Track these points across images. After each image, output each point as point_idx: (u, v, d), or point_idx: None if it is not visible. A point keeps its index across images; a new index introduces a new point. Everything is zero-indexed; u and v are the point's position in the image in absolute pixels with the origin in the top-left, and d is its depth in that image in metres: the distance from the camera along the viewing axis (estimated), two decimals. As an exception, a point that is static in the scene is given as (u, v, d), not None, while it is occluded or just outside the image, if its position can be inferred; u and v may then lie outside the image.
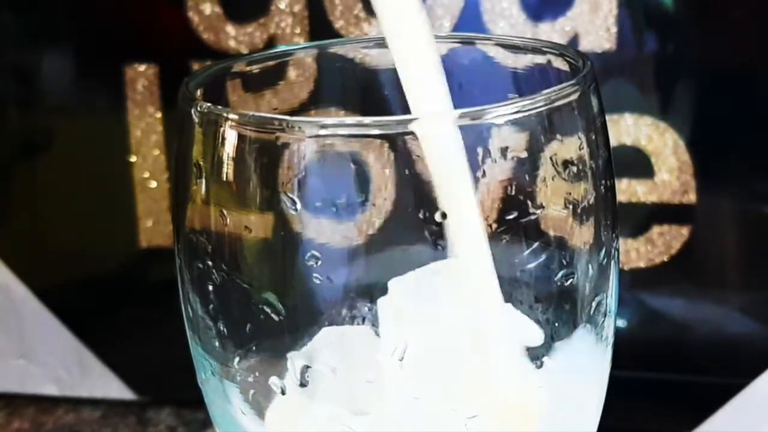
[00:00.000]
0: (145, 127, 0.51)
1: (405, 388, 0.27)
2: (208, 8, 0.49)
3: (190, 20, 0.50)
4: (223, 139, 0.27)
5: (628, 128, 0.46)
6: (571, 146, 0.28)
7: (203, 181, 0.28)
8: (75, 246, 0.54)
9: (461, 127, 0.26)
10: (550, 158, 0.28)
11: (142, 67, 0.51)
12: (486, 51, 0.33)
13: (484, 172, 0.27)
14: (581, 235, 0.29)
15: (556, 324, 0.30)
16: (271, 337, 0.29)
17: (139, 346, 0.54)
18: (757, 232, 0.47)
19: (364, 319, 0.31)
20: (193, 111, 0.28)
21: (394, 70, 0.34)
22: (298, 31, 0.49)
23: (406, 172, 0.28)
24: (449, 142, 0.26)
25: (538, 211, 0.28)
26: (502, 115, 0.26)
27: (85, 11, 0.52)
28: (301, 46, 0.35)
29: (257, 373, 0.29)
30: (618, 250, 0.31)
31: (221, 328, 0.29)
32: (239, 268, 0.29)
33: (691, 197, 0.46)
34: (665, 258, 0.47)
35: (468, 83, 0.34)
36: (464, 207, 0.27)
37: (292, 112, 0.34)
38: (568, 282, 0.29)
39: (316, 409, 0.28)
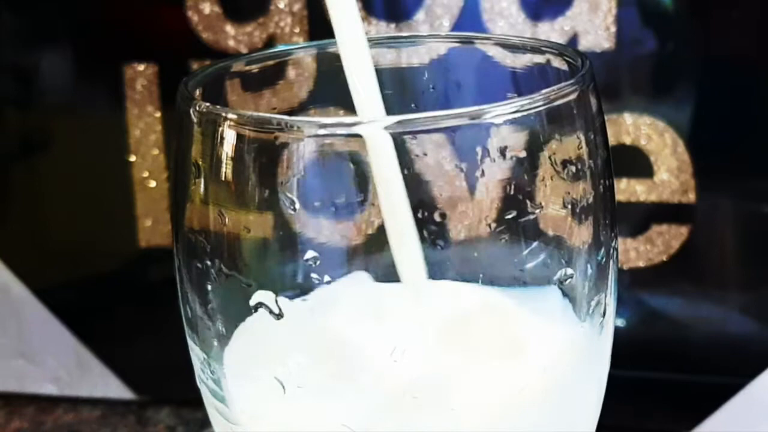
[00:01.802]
0: (145, 126, 0.51)
1: (403, 388, 0.27)
2: (207, 8, 0.49)
3: (189, 20, 0.50)
4: (222, 138, 0.27)
5: (628, 128, 0.46)
6: (570, 146, 0.28)
7: (202, 180, 0.28)
8: (74, 245, 0.54)
9: (461, 127, 0.26)
10: (549, 158, 0.28)
11: (141, 67, 0.51)
12: (485, 50, 0.33)
13: (483, 171, 0.27)
14: (580, 235, 0.29)
15: (555, 323, 0.30)
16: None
17: (138, 345, 0.54)
18: (757, 231, 0.47)
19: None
20: (192, 111, 0.28)
21: (394, 70, 0.34)
22: (297, 30, 0.49)
23: (405, 172, 0.28)
24: (384, 146, 0.27)
25: (537, 211, 0.28)
26: (501, 115, 0.26)
27: (84, 11, 0.52)
28: (301, 46, 0.35)
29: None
30: (617, 250, 0.31)
31: (220, 327, 0.29)
32: (238, 268, 0.29)
33: (691, 197, 0.46)
34: (664, 257, 0.47)
35: (467, 83, 0.34)
36: (399, 212, 0.28)
37: (291, 112, 0.34)
38: (567, 281, 0.29)
39: (314, 409, 0.28)
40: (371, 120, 0.27)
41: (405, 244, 0.28)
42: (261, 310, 0.28)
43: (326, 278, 0.29)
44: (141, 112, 0.51)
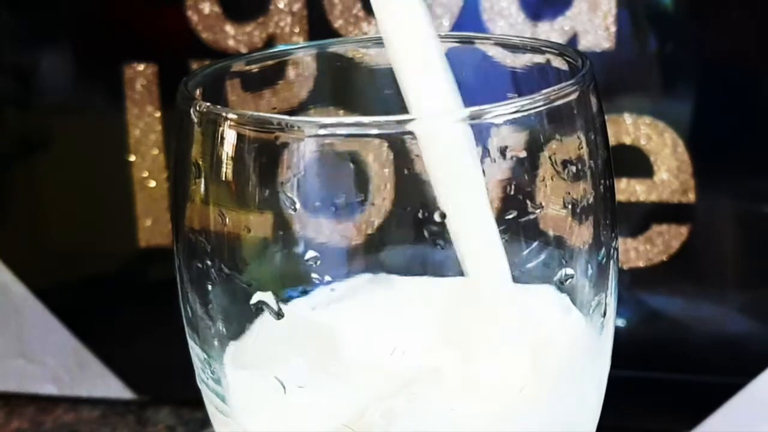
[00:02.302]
0: (144, 126, 0.51)
1: (404, 388, 0.27)
2: (207, 7, 0.49)
3: (189, 19, 0.50)
4: (222, 138, 0.27)
5: (628, 128, 0.46)
6: (570, 146, 0.28)
7: (202, 180, 0.28)
8: (74, 245, 0.54)
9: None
10: (550, 158, 0.28)
11: (141, 67, 0.51)
12: (485, 50, 0.33)
13: (483, 171, 0.27)
14: (580, 235, 0.29)
15: (556, 323, 0.30)
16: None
17: (138, 345, 0.54)
18: (756, 231, 0.47)
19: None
20: (192, 111, 0.28)
21: (393, 70, 0.34)
22: (297, 30, 0.49)
23: (406, 171, 0.28)
24: (454, 141, 0.26)
25: (537, 211, 0.28)
26: (501, 115, 0.26)
27: (84, 10, 0.52)
28: (301, 46, 0.35)
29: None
30: (617, 250, 0.31)
31: (220, 327, 0.29)
32: (238, 268, 0.29)
33: (690, 197, 0.46)
34: (664, 257, 0.47)
35: (467, 83, 0.34)
36: (471, 207, 0.27)
37: (292, 112, 0.34)
38: (567, 281, 0.29)
39: (315, 409, 0.28)
40: (369, 120, 0.27)
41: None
42: (261, 310, 0.28)
43: (326, 278, 0.29)
44: (141, 112, 0.51)
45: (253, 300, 0.29)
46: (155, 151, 0.52)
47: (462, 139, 0.26)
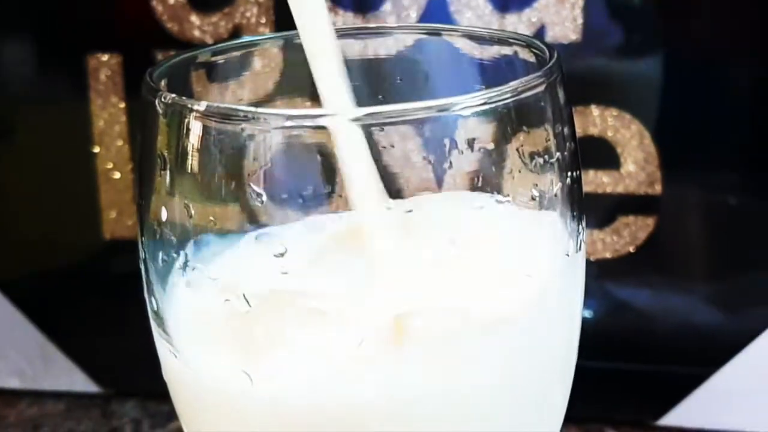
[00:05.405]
0: (108, 117, 0.51)
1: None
2: (172, -3, 0.49)
3: (154, 9, 0.49)
4: (188, 130, 0.27)
5: (594, 119, 0.46)
6: (537, 137, 0.28)
7: (168, 172, 0.28)
8: (38, 238, 0.54)
9: (430, 119, 0.26)
10: (517, 149, 0.28)
11: (105, 57, 0.50)
12: (452, 42, 0.33)
13: (450, 163, 0.27)
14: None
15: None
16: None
17: (103, 338, 0.54)
18: (722, 222, 0.47)
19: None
20: (157, 102, 0.28)
21: (361, 61, 0.34)
22: (263, 21, 0.48)
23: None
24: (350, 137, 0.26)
25: (505, 202, 0.28)
26: (468, 107, 0.26)
27: (47, 0, 0.51)
28: (267, 37, 0.35)
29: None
30: (584, 241, 0.31)
31: (185, 319, 0.29)
32: (204, 261, 0.28)
33: (657, 188, 0.47)
34: (631, 249, 0.48)
35: (434, 74, 0.34)
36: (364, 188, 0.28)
37: (258, 103, 0.33)
38: (535, 273, 0.29)
39: (282, 401, 0.27)
40: (339, 112, 0.27)
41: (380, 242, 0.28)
42: (228, 303, 0.28)
43: (293, 270, 0.29)
44: (105, 103, 0.51)
45: (220, 293, 0.28)
46: (120, 143, 0.51)
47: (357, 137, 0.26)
